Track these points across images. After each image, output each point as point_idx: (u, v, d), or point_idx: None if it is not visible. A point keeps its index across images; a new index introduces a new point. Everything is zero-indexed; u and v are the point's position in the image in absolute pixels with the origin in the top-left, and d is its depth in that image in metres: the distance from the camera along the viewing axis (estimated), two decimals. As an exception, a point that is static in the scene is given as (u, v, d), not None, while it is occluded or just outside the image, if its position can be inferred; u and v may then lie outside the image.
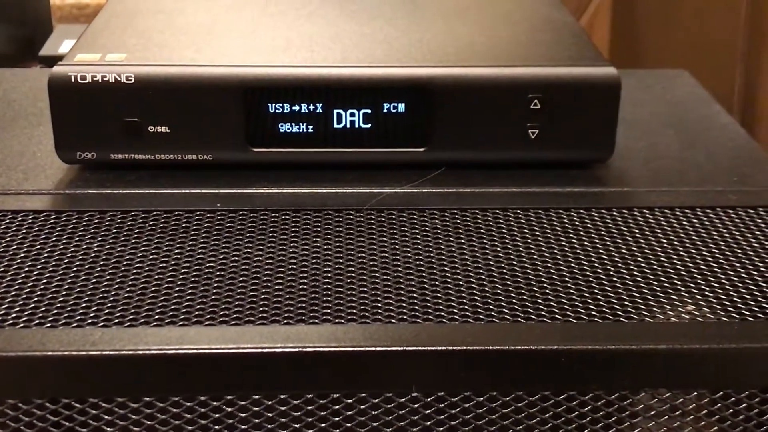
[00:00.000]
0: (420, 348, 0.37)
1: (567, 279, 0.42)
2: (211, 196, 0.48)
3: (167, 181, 0.49)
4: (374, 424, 0.38)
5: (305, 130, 0.49)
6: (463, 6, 0.60)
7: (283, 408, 0.38)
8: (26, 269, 0.42)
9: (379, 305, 0.40)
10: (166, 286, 0.41)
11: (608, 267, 0.43)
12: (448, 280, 0.41)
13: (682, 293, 0.41)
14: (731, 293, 0.41)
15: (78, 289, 0.40)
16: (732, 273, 0.42)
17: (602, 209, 0.47)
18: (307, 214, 0.47)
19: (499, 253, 0.44)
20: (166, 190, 0.48)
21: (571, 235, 0.45)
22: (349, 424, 0.38)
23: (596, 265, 0.43)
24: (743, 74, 0.95)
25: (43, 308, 0.39)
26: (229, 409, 0.37)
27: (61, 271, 0.41)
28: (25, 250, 0.43)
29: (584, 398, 0.38)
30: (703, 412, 0.39)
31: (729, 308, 0.40)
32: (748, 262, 0.43)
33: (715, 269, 0.43)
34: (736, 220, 0.47)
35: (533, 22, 0.57)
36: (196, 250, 0.43)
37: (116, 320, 0.38)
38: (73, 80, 0.48)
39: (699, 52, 0.99)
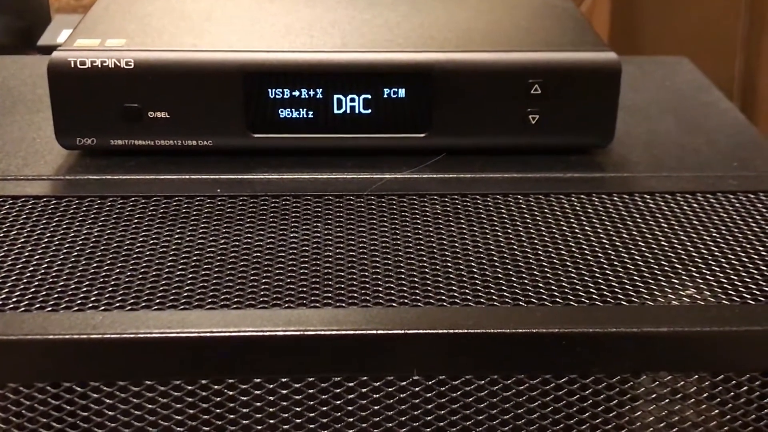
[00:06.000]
0: (421, 331, 0.37)
1: (568, 263, 0.42)
2: (212, 182, 0.48)
3: (167, 167, 0.49)
4: (375, 407, 0.38)
5: (305, 116, 0.49)
6: (463, -8, 0.60)
7: (284, 391, 0.38)
8: (27, 254, 0.42)
9: (380, 289, 0.40)
10: (167, 270, 0.41)
11: (609, 251, 0.43)
12: (449, 264, 0.41)
13: (683, 277, 0.41)
14: (732, 277, 0.41)
15: (79, 274, 0.40)
16: (732, 257, 0.42)
17: (602, 194, 0.47)
18: (308, 199, 0.47)
19: (499, 237, 0.44)
20: (166, 176, 0.48)
21: (571, 220, 0.45)
22: (350, 408, 0.38)
23: (597, 249, 0.43)
24: (743, 60, 0.95)
25: (44, 292, 0.39)
26: (231, 393, 0.37)
27: (62, 256, 0.41)
28: (25, 235, 0.43)
29: (585, 381, 0.38)
30: (704, 395, 0.39)
31: (730, 291, 0.40)
32: (748, 246, 0.43)
33: (716, 253, 0.43)
34: (737, 204, 0.47)
35: (533, 8, 0.57)
36: (197, 235, 0.43)
37: (117, 304, 0.38)
38: (72, 66, 0.47)
39: (699, 38, 0.99)
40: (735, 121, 0.57)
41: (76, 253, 0.42)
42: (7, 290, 0.39)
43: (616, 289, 0.40)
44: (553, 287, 0.40)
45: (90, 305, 0.38)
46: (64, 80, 0.48)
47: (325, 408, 0.38)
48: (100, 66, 0.48)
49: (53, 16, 0.98)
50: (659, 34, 1.06)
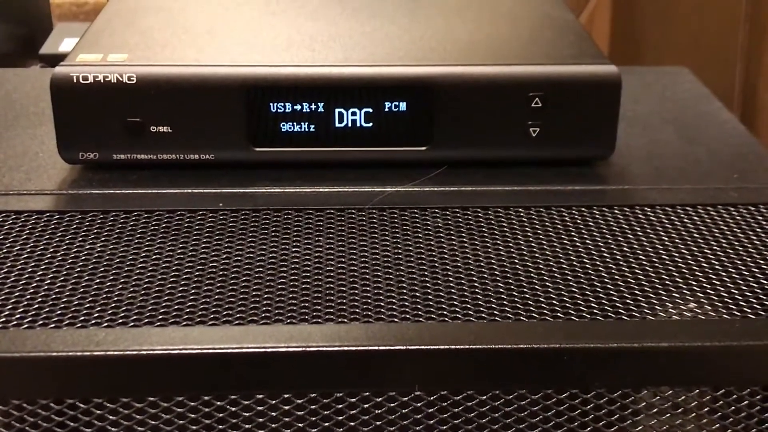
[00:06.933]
0: (422, 347, 0.37)
1: (569, 277, 0.42)
2: (214, 196, 0.48)
3: (170, 181, 0.49)
4: (377, 423, 0.38)
5: (307, 130, 0.50)
6: (464, 4, 0.60)
7: (286, 407, 0.38)
8: (30, 270, 0.42)
9: (382, 304, 0.40)
10: (169, 285, 0.41)
11: (610, 265, 0.43)
12: (450, 278, 0.42)
13: (684, 291, 0.41)
14: (733, 291, 0.41)
15: (82, 290, 0.40)
16: (733, 270, 0.42)
17: (603, 207, 0.48)
18: (309, 213, 0.47)
19: (501, 251, 0.44)
20: (169, 190, 0.49)
21: (572, 233, 0.45)
22: (352, 423, 0.38)
23: (598, 262, 0.43)
24: (743, 70, 0.95)
25: (47, 309, 0.39)
26: (233, 409, 0.38)
27: (65, 272, 0.42)
28: (28, 250, 0.43)
29: (587, 396, 0.38)
30: (705, 409, 0.39)
31: (731, 305, 0.40)
32: (749, 259, 0.43)
33: (717, 267, 0.43)
34: (737, 217, 0.47)
35: (534, 20, 0.57)
36: (199, 250, 0.43)
37: (120, 320, 0.38)
38: (75, 81, 0.48)
39: (699, 48, 0.99)
40: (735, 132, 0.57)
41: (78, 269, 0.42)
42: (10, 306, 0.39)
43: (617, 303, 0.40)
44: (554, 301, 0.40)
45: (93, 321, 0.38)
46: (67, 95, 0.48)
47: (327, 423, 0.38)
48: (102, 81, 0.48)
49: (55, 23, 0.98)
50: (659, 44, 1.06)
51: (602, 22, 1.09)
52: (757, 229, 0.46)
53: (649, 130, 0.57)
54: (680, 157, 0.54)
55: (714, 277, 0.42)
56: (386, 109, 0.49)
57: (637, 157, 0.54)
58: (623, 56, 1.07)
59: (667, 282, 0.41)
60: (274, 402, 0.38)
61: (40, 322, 0.38)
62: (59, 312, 0.39)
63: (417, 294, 0.40)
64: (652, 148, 0.55)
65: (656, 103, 0.61)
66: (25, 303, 0.39)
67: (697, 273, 0.42)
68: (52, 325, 0.38)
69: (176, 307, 0.39)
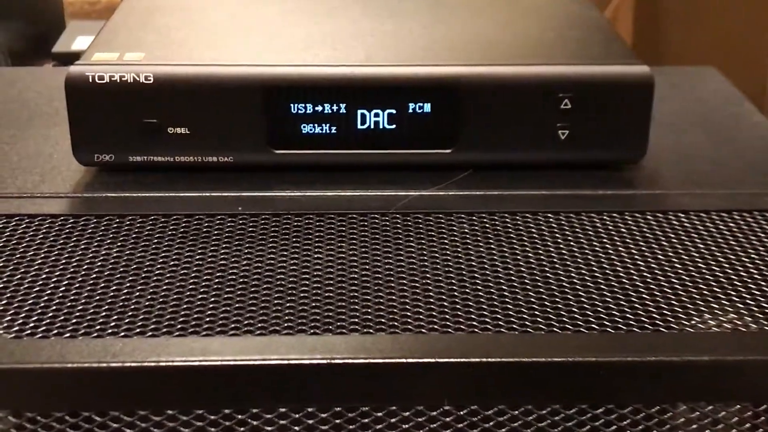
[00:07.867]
0: (452, 360, 0.36)
1: (602, 286, 0.40)
2: (232, 199, 0.47)
3: (187, 184, 0.48)
4: (404, 438, 0.37)
5: (328, 131, 0.48)
6: (487, 2, 0.58)
7: (310, 421, 0.36)
8: (44, 276, 0.40)
9: (409, 314, 0.38)
10: (188, 293, 0.39)
11: (645, 273, 0.41)
12: (479, 287, 0.40)
13: (723, 301, 0.39)
14: (773, 301, 0.39)
15: (97, 298, 0.39)
16: (773, 280, 0.41)
17: (635, 212, 0.46)
18: (331, 217, 0.45)
19: (530, 258, 0.42)
20: (186, 193, 0.47)
21: (604, 240, 0.44)
22: (378, 438, 0.37)
23: (632, 271, 0.41)
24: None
25: (62, 318, 0.38)
26: (255, 423, 0.36)
27: (80, 279, 0.40)
28: (42, 256, 0.42)
29: (623, 412, 0.37)
30: (746, 425, 0.37)
31: (772, 317, 0.38)
32: (789, 268, 0.42)
33: (756, 276, 0.41)
34: (775, 223, 0.45)
35: (560, 19, 0.56)
36: (218, 256, 0.42)
37: (137, 330, 0.37)
38: (90, 80, 0.46)
39: (725, 47, 0.98)
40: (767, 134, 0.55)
41: (94, 275, 0.40)
42: (23, 315, 0.38)
43: (654, 314, 0.38)
44: (588, 312, 0.38)
45: (109, 331, 0.37)
46: (81, 95, 0.47)
47: (352, 438, 0.37)
48: (118, 80, 0.46)
49: (68, 21, 0.97)
50: (683, 43, 1.04)
51: (625, 21, 1.07)
52: (796, 237, 0.44)
53: (677, 132, 0.56)
54: (711, 161, 0.52)
55: (753, 286, 0.40)
56: (410, 111, 0.48)
57: (667, 160, 0.52)
58: (646, 55, 1.05)
59: (704, 292, 0.40)
60: (297, 416, 0.36)
61: (55, 331, 0.37)
62: (74, 321, 0.37)
63: (445, 303, 0.39)
64: (682, 151, 0.53)
65: (684, 104, 0.60)
66: (39, 311, 0.38)
67: (735, 282, 0.41)
68: (67, 335, 0.37)
69: (195, 316, 0.38)
